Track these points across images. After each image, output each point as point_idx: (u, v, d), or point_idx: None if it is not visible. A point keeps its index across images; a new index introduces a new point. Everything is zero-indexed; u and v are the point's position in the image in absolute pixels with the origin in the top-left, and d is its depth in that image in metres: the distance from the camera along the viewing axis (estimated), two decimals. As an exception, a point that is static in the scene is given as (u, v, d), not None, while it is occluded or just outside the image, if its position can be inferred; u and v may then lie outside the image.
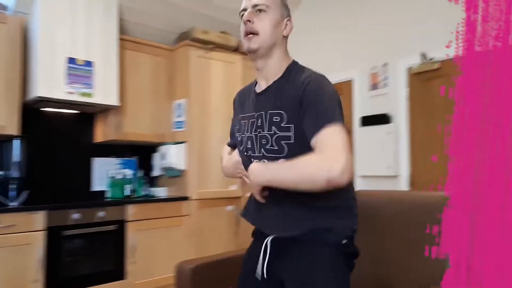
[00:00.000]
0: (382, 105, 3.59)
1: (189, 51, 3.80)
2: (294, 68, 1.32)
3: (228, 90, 3.94)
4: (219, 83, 3.95)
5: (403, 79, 3.48)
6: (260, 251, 1.33)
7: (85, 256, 3.06)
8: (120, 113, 3.54)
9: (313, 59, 4.16)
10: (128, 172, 3.81)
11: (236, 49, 4.15)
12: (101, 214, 3.14)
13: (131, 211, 3.31)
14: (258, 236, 1.40)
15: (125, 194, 3.67)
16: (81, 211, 3.04)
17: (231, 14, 4.10)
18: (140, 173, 3.89)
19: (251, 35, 1.27)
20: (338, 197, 1.25)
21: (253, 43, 1.27)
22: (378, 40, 3.69)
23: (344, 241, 1.26)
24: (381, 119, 3.53)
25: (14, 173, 3.06)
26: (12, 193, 3.02)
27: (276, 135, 1.25)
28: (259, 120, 1.30)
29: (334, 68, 4.00)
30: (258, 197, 1.30)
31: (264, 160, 1.30)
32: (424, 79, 3.37)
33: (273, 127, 1.25)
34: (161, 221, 3.49)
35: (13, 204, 2.98)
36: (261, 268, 1.31)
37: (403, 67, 3.49)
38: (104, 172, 3.77)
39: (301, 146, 1.18)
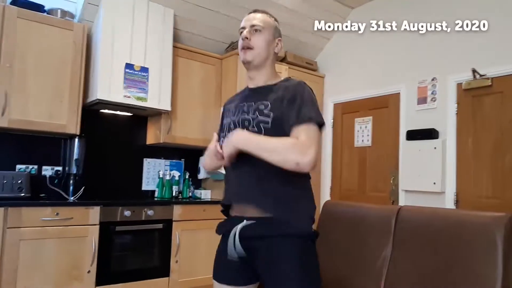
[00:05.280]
0: (430, 119, 3.57)
1: (238, 60, 3.93)
2: (285, 79, 1.58)
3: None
4: (265, 91, 4.04)
5: (452, 94, 3.45)
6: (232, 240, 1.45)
7: (134, 251, 3.24)
8: (170, 117, 3.71)
9: (363, 71, 4.21)
10: (176, 174, 3.98)
11: (282, 59, 4.24)
12: (150, 212, 3.30)
13: (178, 211, 3.46)
14: (226, 232, 1.51)
15: (172, 194, 3.84)
16: (132, 209, 3.21)
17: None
18: (187, 175, 4.05)
19: (247, 49, 1.53)
20: (301, 188, 1.47)
21: (248, 56, 1.53)
22: (427, 55, 3.67)
23: (307, 230, 1.43)
24: (428, 134, 3.51)
25: (74, 169, 3.28)
26: (71, 188, 3.25)
27: (257, 119, 1.45)
28: (246, 107, 1.52)
29: (382, 80, 4.02)
30: (226, 159, 1.44)
31: None
32: (475, 96, 3.32)
33: (257, 112, 1.47)
34: (204, 223, 3.61)
35: (71, 198, 3.20)
36: (233, 250, 1.43)
37: (452, 82, 3.46)
38: (154, 173, 3.96)
39: (276, 132, 1.40)
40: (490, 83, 3.21)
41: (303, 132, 1.36)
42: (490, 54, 3.24)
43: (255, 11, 1.61)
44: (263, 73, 1.56)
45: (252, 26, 1.54)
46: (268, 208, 1.41)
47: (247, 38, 1.53)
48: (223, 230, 1.55)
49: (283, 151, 1.34)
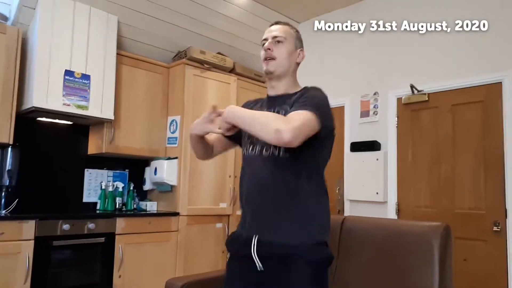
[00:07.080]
0: (372, 132, 3.70)
1: (186, 70, 3.88)
2: (305, 88, 1.58)
3: (222, 109, 4.00)
4: (213, 102, 3.99)
5: (393, 108, 3.61)
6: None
7: (73, 267, 3.06)
8: (114, 126, 3.58)
9: (309, 84, 4.29)
10: (120, 185, 3.83)
11: (231, 70, 4.24)
12: (90, 226, 3.14)
13: (121, 224, 3.32)
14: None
15: (115, 206, 3.68)
16: (71, 222, 3.04)
17: (228, 36, 4.21)
18: (131, 187, 3.91)
19: (270, 59, 1.54)
20: (316, 212, 1.46)
21: (270, 66, 1.54)
22: (370, 70, 3.82)
23: (321, 256, 1.44)
24: (371, 145, 3.64)
25: (6, 181, 3.06)
26: (2, 201, 3.02)
27: None
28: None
29: (327, 93, 4.11)
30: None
31: (264, 147, 1.49)
32: (413, 110, 3.49)
33: None
34: (150, 236, 3.50)
35: (3, 212, 2.97)
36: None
37: (393, 97, 3.62)
38: (96, 184, 3.78)
39: None
40: (426, 99, 3.39)
41: (295, 113, 1.34)
42: (427, 71, 3.43)
43: (277, 22, 1.63)
44: (284, 83, 1.57)
45: (274, 37, 1.56)
46: (280, 231, 1.41)
47: (269, 49, 1.54)
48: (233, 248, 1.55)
49: (267, 120, 1.33)
